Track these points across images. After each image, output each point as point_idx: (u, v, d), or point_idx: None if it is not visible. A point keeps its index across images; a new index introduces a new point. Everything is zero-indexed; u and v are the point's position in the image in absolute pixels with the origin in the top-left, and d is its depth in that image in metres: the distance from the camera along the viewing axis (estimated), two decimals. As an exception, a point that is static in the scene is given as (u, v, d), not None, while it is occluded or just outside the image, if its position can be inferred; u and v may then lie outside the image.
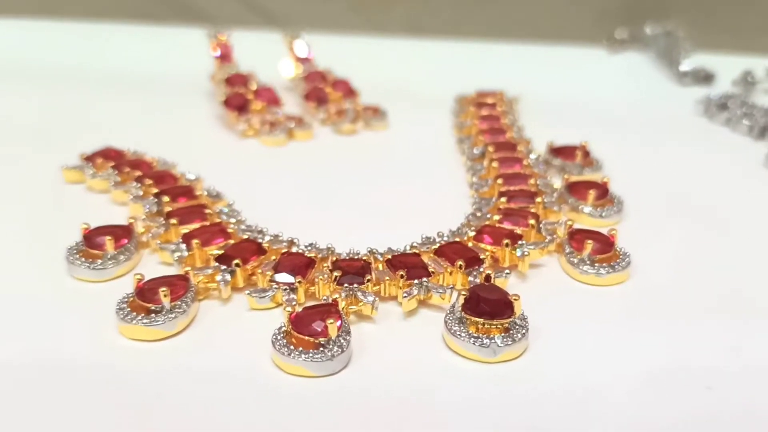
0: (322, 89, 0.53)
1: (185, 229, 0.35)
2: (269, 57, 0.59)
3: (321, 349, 0.27)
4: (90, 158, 0.42)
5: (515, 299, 0.28)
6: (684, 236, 0.38)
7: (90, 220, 0.37)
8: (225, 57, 0.54)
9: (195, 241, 0.33)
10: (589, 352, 0.30)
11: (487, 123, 0.49)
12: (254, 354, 0.28)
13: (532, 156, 0.44)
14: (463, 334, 0.28)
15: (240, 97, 0.50)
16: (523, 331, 0.29)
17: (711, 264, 0.36)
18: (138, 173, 0.40)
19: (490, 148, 0.45)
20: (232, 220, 0.36)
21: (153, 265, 0.34)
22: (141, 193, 0.38)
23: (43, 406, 0.26)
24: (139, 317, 0.29)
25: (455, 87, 0.59)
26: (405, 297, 0.30)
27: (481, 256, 0.33)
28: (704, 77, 0.63)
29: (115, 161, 0.42)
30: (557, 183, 0.42)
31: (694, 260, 0.36)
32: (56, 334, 0.30)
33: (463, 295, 0.29)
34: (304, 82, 0.55)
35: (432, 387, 0.27)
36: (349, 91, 0.53)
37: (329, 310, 0.28)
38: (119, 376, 0.28)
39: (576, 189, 0.40)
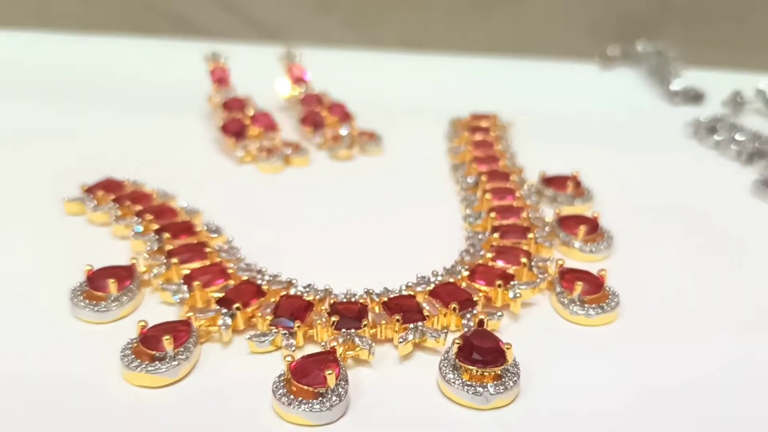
0: (318, 113, 0.54)
1: (186, 269, 0.35)
2: (264, 71, 0.60)
3: (320, 399, 0.28)
4: (90, 190, 0.43)
5: (507, 348, 0.29)
6: (671, 269, 0.39)
7: (91, 254, 0.38)
8: (222, 81, 0.55)
9: (196, 283, 0.34)
10: (580, 393, 0.31)
11: (481, 150, 0.50)
12: (254, 400, 0.29)
13: (525, 188, 0.45)
14: (456, 382, 0.29)
15: (237, 122, 0.51)
16: (515, 378, 0.30)
17: (698, 298, 0.37)
18: (138, 207, 0.40)
19: (483, 178, 0.46)
20: (232, 258, 0.37)
21: (155, 304, 0.35)
22: (142, 228, 0.39)
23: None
24: (143, 365, 0.29)
25: (449, 102, 0.60)
26: (401, 342, 0.31)
27: (475, 298, 0.34)
28: (694, 97, 0.64)
29: (115, 193, 0.42)
30: (549, 215, 0.43)
31: (682, 294, 0.37)
32: (59, 376, 0.30)
33: (457, 343, 0.30)
34: (301, 105, 0.56)
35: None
36: (345, 115, 0.54)
37: (328, 358, 0.29)
38: (122, 418, 0.28)
39: (567, 224, 0.41)
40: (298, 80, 0.58)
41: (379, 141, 0.52)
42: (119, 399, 0.29)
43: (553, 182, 0.46)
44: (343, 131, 0.52)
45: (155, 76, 0.65)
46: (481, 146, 0.51)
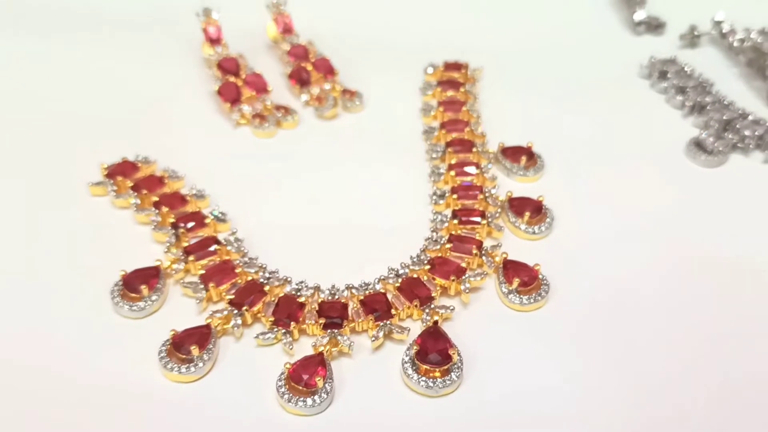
0: (304, 68, 0.59)
1: (201, 269, 0.44)
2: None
3: (312, 396, 0.38)
4: (110, 175, 0.50)
5: (453, 353, 0.39)
6: (602, 246, 0.47)
7: (119, 239, 0.47)
8: (216, 40, 0.59)
9: (211, 285, 0.42)
10: (516, 374, 0.40)
11: (450, 111, 0.57)
12: (262, 388, 0.39)
13: (484, 163, 0.52)
14: (413, 377, 0.39)
15: (232, 87, 0.57)
16: (459, 372, 0.39)
17: (624, 276, 0.45)
18: (155, 198, 0.48)
19: (450, 150, 0.53)
20: (238, 251, 0.45)
21: (178, 297, 0.44)
22: (160, 219, 0.47)
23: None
24: (177, 366, 0.39)
25: (424, 30, 0.68)
26: (373, 340, 0.41)
27: (433, 294, 0.43)
28: (656, 26, 0.69)
29: (131, 177, 0.50)
30: (505, 187, 0.50)
31: (609, 274, 0.45)
32: (101, 367, 0.39)
33: (415, 349, 0.39)
34: (288, 57, 0.61)
35: (395, 414, 0.38)
36: (330, 70, 0.59)
37: (317, 361, 0.39)
38: (158, 405, 0.38)
39: (515, 205, 0.48)
40: (286, 30, 0.62)
41: (360, 98, 0.58)
42: (155, 388, 0.39)
43: (510, 153, 0.53)
44: (327, 87, 0.58)
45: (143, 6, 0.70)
46: (450, 107, 0.57)
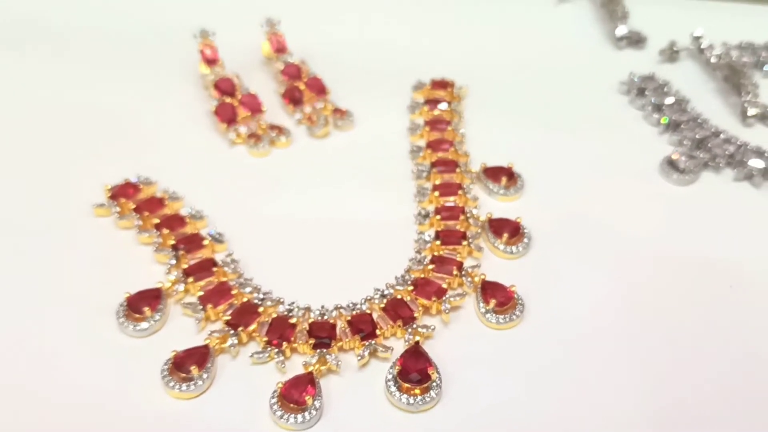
0: (297, 88, 0.62)
1: (200, 290, 0.47)
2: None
3: (302, 413, 0.41)
4: (114, 196, 0.53)
5: (431, 372, 0.42)
6: (575, 269, 0.50)
7: (123, 260, 0.50)
8: (212, 60, 0.62)
9: (209, 306, 0.46)
10: (492, 389, 0.43)
11: (436, 130, 0.59)
12: (256, 404, 0.42)
13: (467, 183, 0.55)
14: (396, 395, 0.42)
15: (228, 107, 0.59)
16: (438, 389, 0.42)
17: (596, 296, 0.48)
18: (156, 220, 0.51)
19: (434, 170, 0.56)
20: (234, 272, 0.48)
21: (178, 316, 0.47)
22: (161, 240, 0.50)
23: None
24: (178, 385, 0.42)
25: (410, 44, 0.71)
26: (359, 358, 0.44)
27: (415, 314, 0.46)
28: (637, 41, 0.71)
29: (133, 199, 0.53)
30: (486, 206, 0.54)
31: (582, 294, 0.48)
32: (106, 385, 0.43)
33: (397, 368, 0.42)
34: (282, 76, 0.63)
35: (380, 429, 0.42)
36: (322, 89, 0.62)
37: (307, 380, 0.42)
38: (159, 420, 0.42)
39: (494, 226, 0.51)
40: (279, 49, 0.65)
41: (350, 116, 0.61)
42: (158, 405, 0.42)
43: (491, 173, 0.56)
44: (319, 106, 0.61)
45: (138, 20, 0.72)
46: (436, 128, 0.60)
